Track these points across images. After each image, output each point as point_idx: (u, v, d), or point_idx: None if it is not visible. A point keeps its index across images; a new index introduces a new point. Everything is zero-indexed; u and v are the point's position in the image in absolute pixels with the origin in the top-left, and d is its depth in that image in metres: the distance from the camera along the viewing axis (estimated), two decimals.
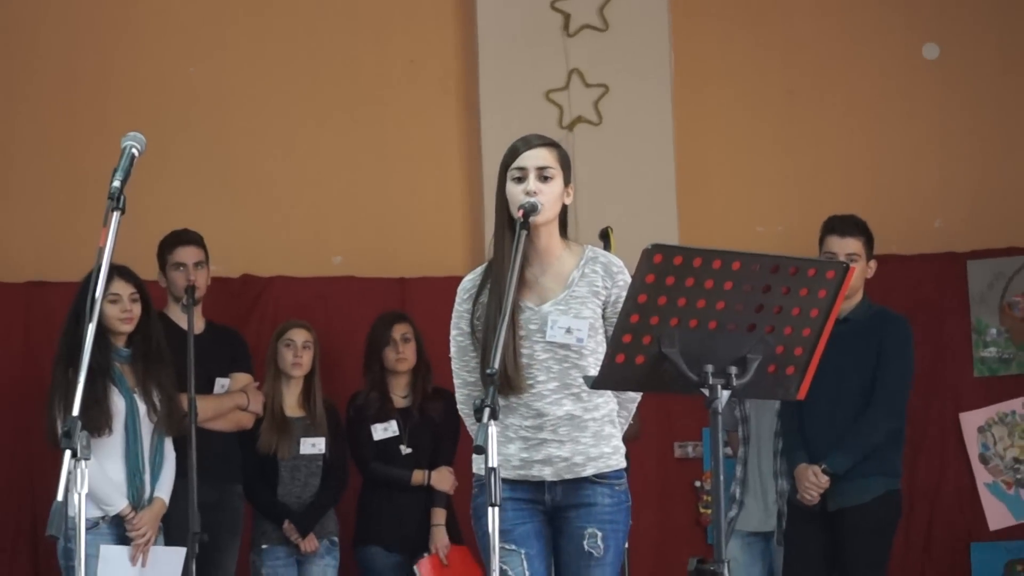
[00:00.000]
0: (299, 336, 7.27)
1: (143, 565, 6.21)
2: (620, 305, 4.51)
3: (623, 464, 4.81)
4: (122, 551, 6.18)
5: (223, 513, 6.90)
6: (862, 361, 6.50)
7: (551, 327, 4.72)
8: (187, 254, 7.02)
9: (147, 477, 6.26)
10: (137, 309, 6.35)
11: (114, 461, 6.20)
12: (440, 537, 7.28)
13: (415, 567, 7.20)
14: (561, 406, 4.73)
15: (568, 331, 4.72)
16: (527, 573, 4.74)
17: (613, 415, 4.82)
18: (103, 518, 6.15)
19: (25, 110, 8.08)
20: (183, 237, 7.08)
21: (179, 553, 6.33)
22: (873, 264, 6.69)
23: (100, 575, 6.08)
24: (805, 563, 6.60)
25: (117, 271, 6.26)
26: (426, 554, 7.24)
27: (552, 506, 4.78)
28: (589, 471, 4.75)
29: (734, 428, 7.24)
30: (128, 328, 6.34)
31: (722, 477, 3.97)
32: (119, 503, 6.17)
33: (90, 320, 4.10)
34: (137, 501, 6.23)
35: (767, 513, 6.97)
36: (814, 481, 6.50)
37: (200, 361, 6.60)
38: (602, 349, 4.71)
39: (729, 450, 7.70)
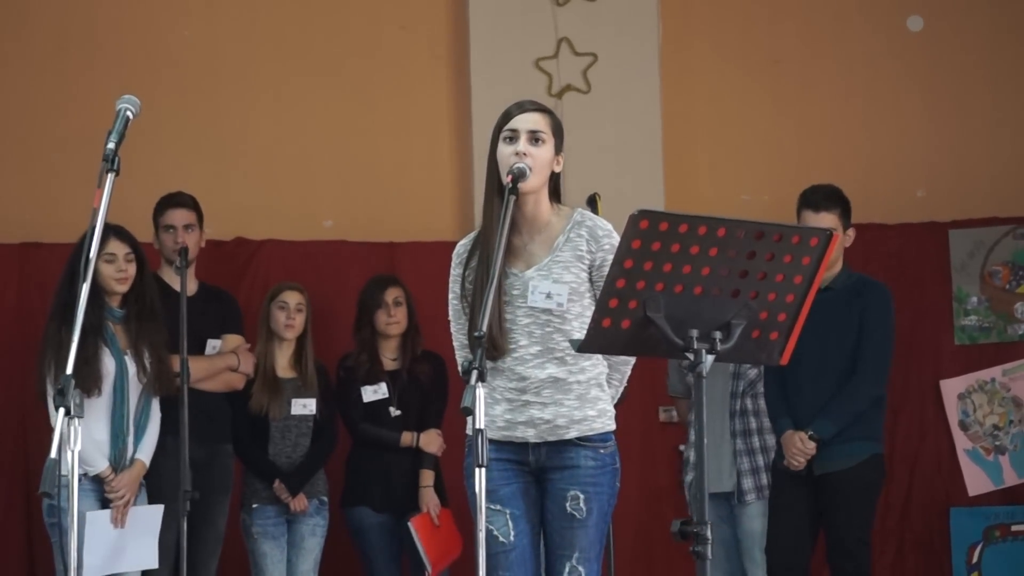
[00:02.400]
0: (292, 298, 7.31)
1: (122, 526, 6.25)
2: (606, 269, 4.53)
3: (609, 427, 4.81)
4: (104, 515, 6.20)
5: (213, 472, 6.91)
6: (844, 329, 6.55)
7: (532, 292, 4.74)
8: (176, 216, 7.04)
9: (130, 439, 6.28)
10: (132, 269, 6.37)
11: (99, 422, 6.21)
12: (430, 498, 7.32)
13: (409, 523, 7.24)
14: (544, 369, 4.75)
15: (548, 296, 4.73)
16: (512, 533, 4.76)
17: (601, 378, 4.83)
18: (84, 475, 6.16)
19: (18, 72, 8.08)
20: (173, 200, 7.09)
21: (157, 510, 6.35)
22: (852, 233, 6.72)
23: (84, 538, 6.10)
24: (791, 526, 6.65)
25: (113, 231, 6.29)
26: (418, 512, 7.30)
27: (537, 467, 4.80)
28: (572, 433, 4.76)
29: (686, 395, 7.32)
30: (123, 288, 6.36)
31: (705, 441, 4.03)
32: (99, 464, 6.20)
33: (84, 280, 4.15)
34: (118, 462, 6.26)
35: (721, 474, 7.05)
36: (801, 448, 6.55)
37: (192, 323, 6.60)
38: (588, 313, 4.71)
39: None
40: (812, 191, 6.71)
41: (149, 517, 6.33)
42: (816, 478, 6.58)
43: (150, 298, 6.41)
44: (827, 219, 6.59)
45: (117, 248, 6.33)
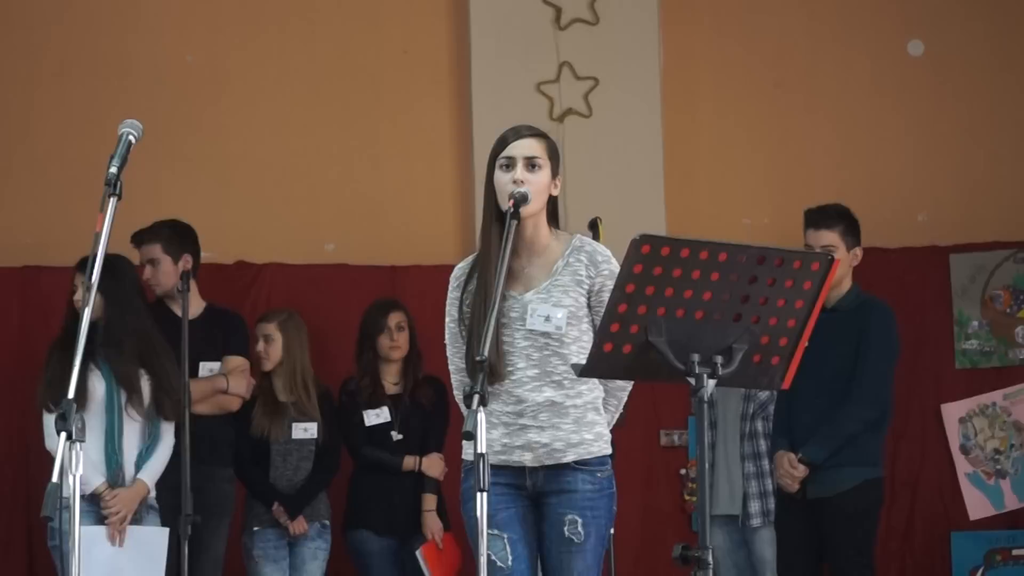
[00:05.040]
0: (261, 330, 7.34)
1: (120, 544, 6.23)
2: (605, 294, 4.60)
3: (606, 451, 4.82)
4: (100, 531, 6.18)
5: (208, 496, 6.82)
6: (846, 349, 6.52)
7: (531, 315, 4.75)
8: (140, 254, 7.03)
9: (125, 458, 6.28)
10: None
11: (92, 441, 6.20)
12: (433, 522, 7.32)
13: (417, 552, 7.24)
14: (541, 393, 4.75)
15: (547, 319, 4.74)
16: (510, 557, 4.75)
17: (597, 402, 4.83)
18: (81, 496, 6.16)
19: (21, 95, 8.10)
20: (134, 238, 7.06)
21: (162, 533, 6.34)
22: (859, 252, 6.70)
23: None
24: (797, 549, 6.66)
25: (80, 264, 6.34)
26: (424, 540, 7.30)
27: (534, 491, 4.80)
28: (570, 457, 4.76)
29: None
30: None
31: (707, 465, 4.03)
32: (94, 480, 6.20)
33: (86, 304, 4.16)
34: (114, 481, 6.26)
35: (733, 496, 7.04)
36: (788, 469, 6.55)
37: (188, 345, 6.61)
38: (586, 337, 4.75)
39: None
40: (815, 209, 6.72)
41: (153, 540, 6.30)
42: (811, 502, 6.58)
43: (106, 324, 6.36)
44: (827, 236, 6.60)
45: (78, 280, 6.38)
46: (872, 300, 6.71)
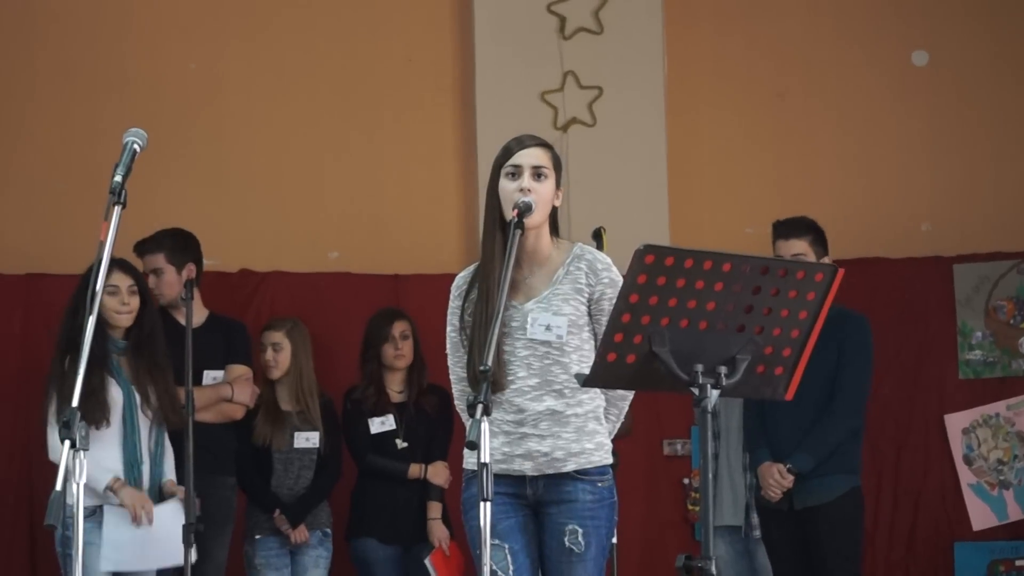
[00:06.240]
0: (269, 339, 7.33)
1: (147, 523, 6.17)
2: (604, 303, 4.65)
3: (607, 460, 4.81)
4: (123, 513, 6.14)
5: (211, 504, 6.78)
6: (822, 360, 6.47)
7: (531, 324, 4.75)
8: (143, 264, 6.97)
9: (145, 468, 6.29)
10: (135, 302, 6.36)
11: (111, 451, 6.19)
12: (440, 530, 7.33)
13: (426, 561, 7.26)
14: (542, 402, 4.75)
15: (547, 328, 4.74)
16: (511, 568, 4.75)
17: (599, 412, 4.83)
18: (101, 506, 6.18)
19: (25, 103, 8.10)
20: (137, 248, 6.97)
21: (177, 510, 6.27)
22: (827, 261, 6.71)
23: (104, 533, 6.09)
24: (783, 561, 6.67)
25: (117, 263, 6.27)
26: (432, 548, 7.31)
27: (534, 501, 4.80)
28: (570, 467, 4.76)
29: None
30: (126, 321, 6.34)
31: (710, 475, 4.02)
32: (104, 478, 6.12)
33: (90, 313, 4.16)
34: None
35: (736, 507, 7.04)
36: (778, 480, 6.56)
37: (192, 354, 6.61)
38: (587, 346, 4.76)
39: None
40: (782, 222, 6.75)
41: (169, 515, 6.24)
42: (798, 512, 6.58)
43: (149, 329, 6.39)
44: (798, 245, 6.61)
45: (120, 280, 6.30)
46: (846, 312, 6.71)
